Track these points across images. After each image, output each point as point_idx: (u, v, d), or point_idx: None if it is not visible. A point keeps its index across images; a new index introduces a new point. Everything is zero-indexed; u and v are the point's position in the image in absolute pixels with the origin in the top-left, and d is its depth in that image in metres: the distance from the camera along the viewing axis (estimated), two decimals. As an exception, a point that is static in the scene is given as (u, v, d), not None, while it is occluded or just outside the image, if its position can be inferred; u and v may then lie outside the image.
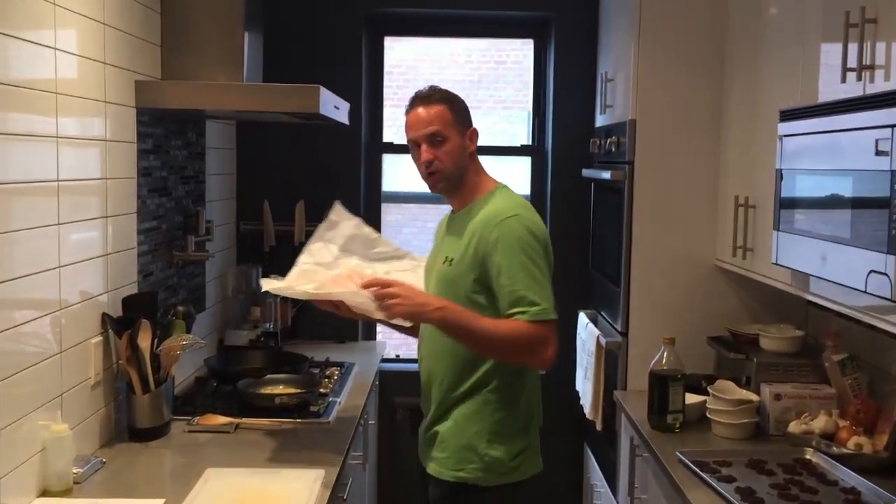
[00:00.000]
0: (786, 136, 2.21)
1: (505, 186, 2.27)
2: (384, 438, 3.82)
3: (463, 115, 2.20)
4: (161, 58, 2.76)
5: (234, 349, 3.41)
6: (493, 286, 2.10)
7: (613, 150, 3.15)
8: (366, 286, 2.08)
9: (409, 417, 3.85)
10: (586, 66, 3.73)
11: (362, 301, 2.08)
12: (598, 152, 3.48)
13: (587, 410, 3.27)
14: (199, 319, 3.22)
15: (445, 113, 2.15)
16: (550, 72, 3.87)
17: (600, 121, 3.55)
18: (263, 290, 2.17)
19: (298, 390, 2.74)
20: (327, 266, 2.28)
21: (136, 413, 2.38)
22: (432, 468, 2.24)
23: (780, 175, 2.23)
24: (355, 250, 2.34)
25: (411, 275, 2.31)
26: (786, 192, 2.21)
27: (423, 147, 2.16)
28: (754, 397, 2.52)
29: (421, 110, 2.16)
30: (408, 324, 2.22)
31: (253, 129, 3.73)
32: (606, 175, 3.15)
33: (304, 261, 2.27)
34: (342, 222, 2.35)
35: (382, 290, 2.06)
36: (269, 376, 2.82)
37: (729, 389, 2.58)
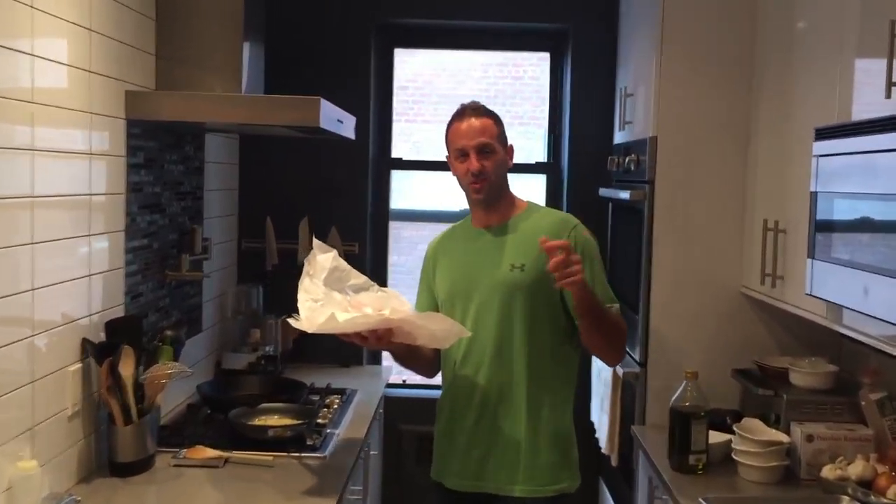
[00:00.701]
0: (822, 155, 2.03)
1: (533, 202, 2.37)
2: (389, 469, 3.64)
3: (504, 132, 2.28)
4: (156, 68, 2.62)
5: (231, 374, 3.25)
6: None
7: (633, 168, 2.98)
8: (556, 244, 1.99)
9: (415, 446, 3.68)
10: (604, 81, 3.57)
11: (425, 320, 2.09)
12: (617, 170, 3.30)
13: (602, 444, 3.08)
14: (195, 342, 3.08)
15: (493, 126, 2.23)
16: (567, 86, 3.71)
17: (619, 137, 3.38)
18: (307, 330, 2.05)
19: (294, 421, 2.58)
20: (324, 301, 2.18)
21: (116, 446, 2.22)
22: (522, 490, 2.19)
23: (814, 198, 2.05)
24: (333, 284, 2.24)
25: (384, 301, 2.20)
26: (822, 217, 2.02)
27: (473, 156, 2.20)
28: (784, 438, 2.33)
29: (473, 121, 2.21)
30: (442, 345, 2.19)
31: (256, 144, 3.59)
32: (625, 195, 2.97)
33: (303, 298, 2.19)
34: (319, 255, 2.26)
35: (572, 257, 1.99)
36: (263, 405, 2.66)
37: (757, 429, 2.39)
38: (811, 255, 2.06)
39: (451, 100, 3.88)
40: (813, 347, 2.72)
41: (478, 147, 2.18)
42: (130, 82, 2.43)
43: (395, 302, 2.16)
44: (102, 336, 2.26)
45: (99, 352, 2.19)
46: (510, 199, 2.29)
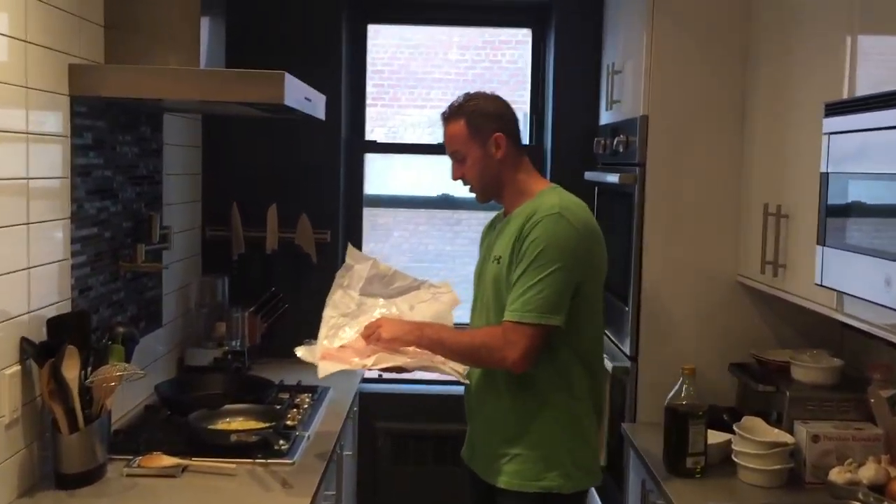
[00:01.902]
0: (833, 133, 1.85)
1: (557, 187, 2.20)
2: (365, 469, 3.45)
3: (483, 124, 2.13)
4: (105, 39, 2.39)
5: (194, 371, 3.04)
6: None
7: (622, 150, 2.80)
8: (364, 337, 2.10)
9: (391, 444, 3.50)
10: (589, 58, 3.38)
11: (423, 362, 2.08)
12: (603, 153, 3.12)
13: (590, 443, 2.91)
14: (155, 337, 2.87)
15: (462, 128, 2.13)
16: (550, 64, 3.52)
17: (605, 118, 3.20)
18: (321, 376, 2.06)
19: (260, 425, 2.38)
20: (353, 315, 2.22)
21: (62, 456, 2.02)
22: (505, 480, 2.09)
23: (825, 180, 1.88)
24: (375, 290, 2.29)
25: (433, 304, 2.28)
26: (834, 200, 1.85)
27: (451, 165, 2.18)
28: (788, 439, 2.17)
29: (444, 129, 2.18)
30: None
31: (221, 125, 3.37)
32: (613, 178, 2.79)
33: (329, 315, 2.21)
34: (357, 265, 2.27)
35: (374, 332, 2.10)
36: (227, 406, 2.46)
37: (758, 428, 2.23)
38: (821, 241, 1.89)
39: (427, 84, 3.72)
40: (813, 340, 2.57)
41: (451, 157, 2.16)
42: (75, 55, 2.21)
43: (436, 306, 2.26)
44: (45, 335, 2.05)
45: (39, 352, 1.98)
46: (520, 187, 2.16)
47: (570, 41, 3.43)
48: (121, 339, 2.19)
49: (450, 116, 2.15)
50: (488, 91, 2.21)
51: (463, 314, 2.30)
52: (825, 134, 1.88)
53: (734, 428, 2.23)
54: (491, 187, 2.16)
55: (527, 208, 2.08)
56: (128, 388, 2.43)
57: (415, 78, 3.75)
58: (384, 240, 3.80)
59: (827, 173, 1.87)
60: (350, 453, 3.11)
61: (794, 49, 2.24)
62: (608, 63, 3.11)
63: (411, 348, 2.09)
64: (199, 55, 2.42)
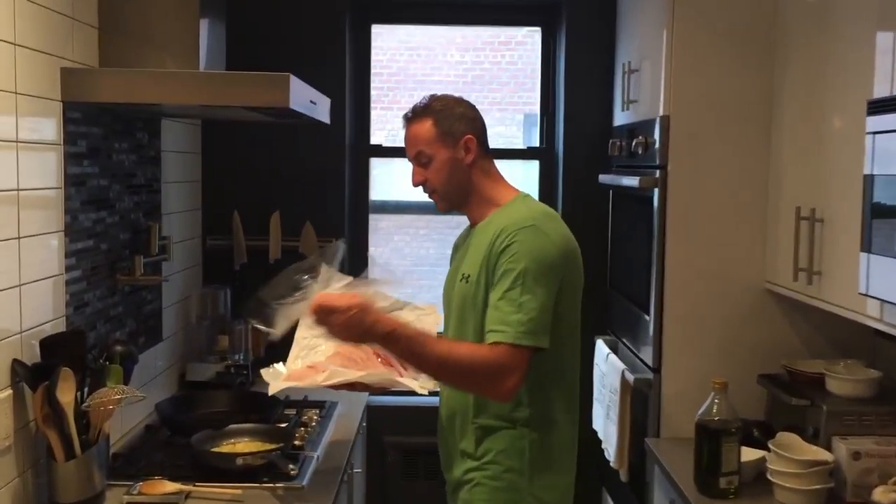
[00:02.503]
0: (878, 132, 1.74)
1: (527, 195, 2.05)
2: (373, 486, 3.33)
3: (453, 125, 1.99)
4: (99, 42, 2.27)
5: (196, 387, 2.92)
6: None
7: (640, 152, 2.68)
8: (312, 311, 1.83)
9: (401, 459, 3.38)
10: (603, 57, 3.26)
11: (380, 377, 1.97)
12: (619, 155, 3.00)
13: (611, 458, 2.79)
14: (155, 353, 2.74)
15: (429, 129, 1.98)
16: (560, 64, 3.39)
17: (621, 119, 3.08)
18: (270, 393, 2.01)
19: (266, 446, 2.26)
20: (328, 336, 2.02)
21: (57, 484, 1.89)
22: None
23: (870, 182, 1.76)
24: None
25: (417, 326, 2.04)
26: (880, 203, 1.73)
27: (413, 169, 2.03)
28: (828, 457, 2.05)
29: (407, 130, 2.03)
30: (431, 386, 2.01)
31: (220, 130, 3.25)
32: (632, 181, 2.67)
33: (303, 335, 2.07)
34: (333, 284, 2.02)
35: (326, 319, 1.81)
36: (231, 426, 2.33)
37: (794, 445, 2.11)
38: (866, 248, 1.77)
39: (427, 86, 3.63)
40: (844, 349, 2.46)
41: (413, 159, 2.01)
42: (67, 58, 2.09)
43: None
44: (38, 356, 1.92)
45: (32, 375, 1.85)
46: (487, 195, 2.01)
47: (582, 39, 3.31)
48: (119, 358, 2.06)
49: (415, 116, 2.00)
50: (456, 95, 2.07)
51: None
52: (869, 133, 1.76)
53: (769, 445, 2.11)
54: (456, 194, 2.01)
55: (495, 220, 1.93)
56: (127, 407, 2.31)
57: (414, 80, 3.65)
58: (384, 244, 3.72)
59: (872, 175, 1.75)
60: (359, 470, 2.99)
61: (827, 44, 2.12)
62: (623, 62, 2.99)
63: (381, 361, 1.98)
64: (198, 58, 2.30)
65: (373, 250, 3.60)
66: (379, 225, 3.68)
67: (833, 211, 2.06)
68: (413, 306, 2.12)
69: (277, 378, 2.04)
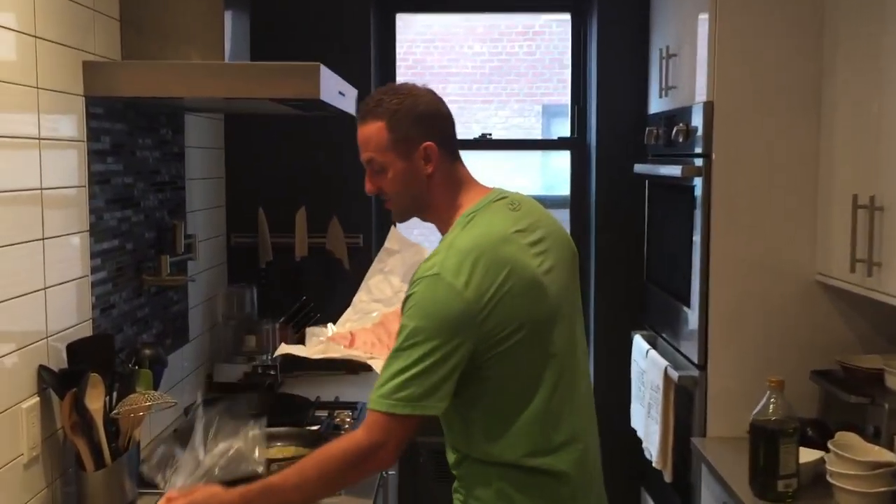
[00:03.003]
0: (951, 114, 1.63)
1: (475, 213, 1.65)
2: (405, 488, 3.24)
3: (409, 131, 1.64)
4: (121, 35, 2.20)
5: (224, 388, 2.85)
6: None
7: (681, 140, 2.57)
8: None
9: (433, 460, 3.30)
10: (636, 42, 3.15)
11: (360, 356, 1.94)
12: (656, 143, 2.90)
13: (654, 458, 2.70)
14: (182, 354, 2.68)
15: (381, 133, 1.64)
16: (592, 50, 3.29)
17: (657, 106, 2.97)
18: (305, 354, 1.96)
19: (300, 451, 2.18)
20: (387, 302, 1.99)
21: (87, 495, 1.82)
22: None
23: (941, 167, 1.65)
24: None
25: None
26: (953, 191, 1.63)
27: (367, 174, 1.71)
28: (891, 457, 1.94)
29: (358, 131, 1.69)
30: None
31: (244, 125, 3.17)
32: (672, 171, 2.57)
33: (360, 298, 2.00)
34: (402, 251, 1.99)
35: None
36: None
37: (856, 445, 2.01)
38: (937, 237, 1.67)
39: (445, 78, 3.54)
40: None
41: (366, 165, 1.69)
42: (89, 51, 2.01)
43: None
44: (64, 361, 1.85)
45: (60, 382, 1.78)
46: (446, 213, 1.69)
47: (615, 24, 3.20)
48: (147, 362, 1.99)
49: (365, 116, 1.66)
50: (421, 85, 1.72)
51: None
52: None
53: (829, 446, 2.01)
54: (414, 207, 1.72)
55: (430, 255, 1.63)
56: (155, 413, 2.24)
57: (432, 73, 3.56)
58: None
59: (945, 160, 1.64)
60: (392, 472, 2.90)
61: (884, 17, 2.01)
62: (660, 47, 2.88)
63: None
64: (223, 50, 2.22)
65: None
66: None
67: (894, 198, 1.95)
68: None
69: (316, 339, 1.98)
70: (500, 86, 3.76)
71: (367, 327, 1.89)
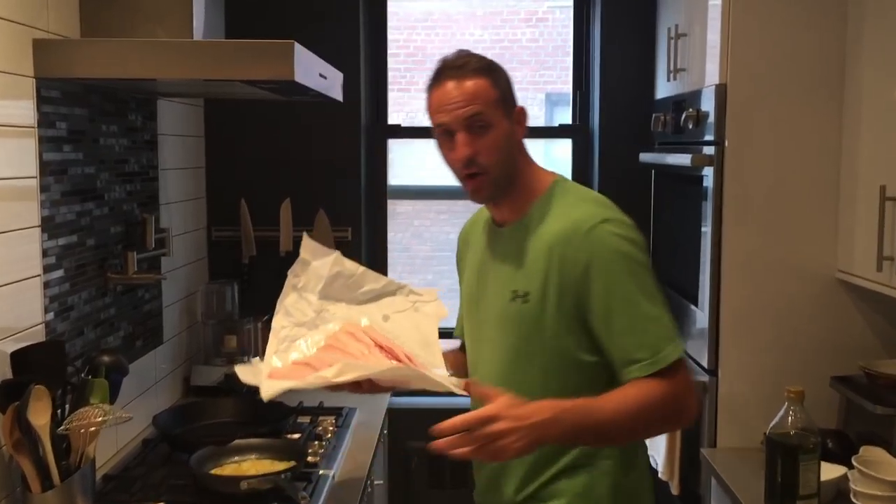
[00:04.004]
0: None
1: (562, 177, 1.66)
2: (396, 496, 3.07)
3: (508, 90, 1.59)
4: (80, 11, 2.01)
5: (202, 392, 2.68)
6: (594, 329, 1.51)
7: (691, 126, 2.38)
8: (452, 428, 1.41)
9: (426, 466, 3.13)
10: (643, 22, 2.97)
11: (408, 373, 1.54)
12: (663, 130, 2.71)
13: (659, 469, 2.52)
14: (155, 356, 2.51)
15: (487, 88, 1.54)
16: (596, 33, 3.10)
17: (665, 90, 2.78)
18: (265, 398, 1.51)
19: (276, 465, 2.00)
20: (311, 325, 1.68)
21: (34, 518, 1.65)
22: None
23: None
24: (338, 294, 1.74)
25: (413, 315, 1.72)
26: None
27: (460, 137, 1.53)
28: (924, 476, 1.77)
29: (452, 85, 1.54)
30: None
31: (225, 111, 2.98)
32: (682, 160, 2.38)
33: (280, 324, 1.67)
34: (314, 261, 1.73)
35: (484, 432, 1.36)
36: (237, 442, 2.08)
37: (881, 462, 1.83)
38: (982, 235, 1.48)
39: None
40: (930, 346, 2.16)
41: (466, 122, 1.52)
42: (41, 28, 1.83)
43: (416, 318, 1.71)
44: (9, 372, 1.68)
45: (2, 395, 1.61)
46: (526, 185, 1.60)
47: (620, 4, 3.01)
48: (104, 370, 1.81)
49: (461, 73, 1.54)
50: None
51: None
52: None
53: (853, 462, 1.83)
54: (505, 179, 1.57)
55: (546, 218, 1.55)
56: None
57: (433, 60, 3.39)
58: (404, 229, 3.51)
59: None
60: (381, 482, 2.73)
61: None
62: (668, 26, 2.69)
63: (386, 355, 1.59)
64: (191, 27, 2.03)
65: (391, 235, 3.35)
66: (397, 210, 3.47)
67: (928, 190, 1.77)
68: (409, 290, 1.76)
69: (259, 373, 1.57)
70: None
71: (313, 355, 1.61)
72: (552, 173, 1.66)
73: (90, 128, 2.09)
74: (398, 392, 2.43)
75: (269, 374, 1.55)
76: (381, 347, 1.63)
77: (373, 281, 1.75)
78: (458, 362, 1.76)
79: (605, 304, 1.48)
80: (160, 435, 2.23)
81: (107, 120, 2.18)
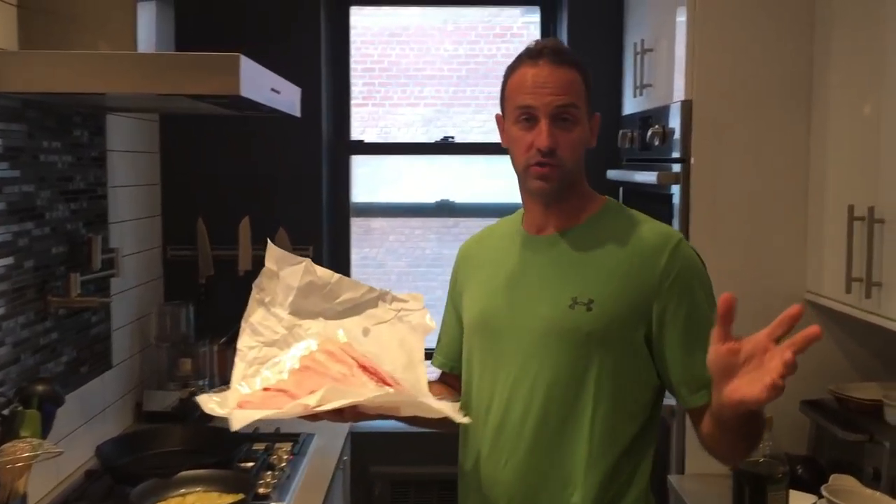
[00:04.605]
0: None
1: (614, 199, 1.59)
2: (358, 523, 2.98)
3: (590, 95, 1.48)
4: (19, 23, 1.92)
5: (155, 418, 2.57)
6: (661, 344, 1.41)
7: (657, 143, 2.32)
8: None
9: (390, 491, 3.03)
10: (609, 37, 2.91)
11: (394, 399, 1.37)
12: (630, 147, 2.65)
13: (627, 495, 2.44)
14: (103, 381, 2.40)
15: (581, 83, 1.44)
16: (562, 47, 3.04)
17: (632, 106, 2.73)
18: (233, 428, 1.31)
19: (223, 499, 1.91)
20: (282, 344, 1.50)
21: (-45, 561, 1.54)
22: None
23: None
24: (313, 306, 1.55)
25: (398, 327, 1.56)
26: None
27: (544, 125, 1.41)
28: (895, 506, 1.70)
29: (552, 70, 1.42)
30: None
31: (181, 127, 2.89)
32: (647, 177, 2.32)
33: (247, 344, 1.49)
34: (282, 271, 1.54)
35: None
36: (182, 473, 1.98)
37: (852, 491, 1.76)
38: (951, 257, 1.43)
39: (419, 81, 3.32)
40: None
41: (556, 111, 1.41)
42: (-28, 40, 1.74)
43: (402, 331, 1.55)
44: (-70, 403, 1.58)
45: (-80, 429, 1.51)
46: (583, 194, 1.52)
47: (586, 17, 2.96)
48: (37, 401, 1.71)
49: (561, 60, 1.43)
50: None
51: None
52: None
53: (822, 491, 1.76)
54: (570, 179, 1.46)
55: (624, 231, 1.46)
56: (64, 450, 1.97)
57: (406, 75, 3.33)
58: (379, 244, 3.42)
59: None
60: (341, 510, 2.64)
61: (885, 13, 1.77)
62: (634, 41, 2.64)
63: (371, 378, 1.42)
64: (135, 40, 1.94)
65: (366, 251, 3.27)
66: (371, 226, 3.40)
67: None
68: (391, 297, 1.59)
69: (227, 403, 1.38)
70: (478, 89, 3.58)
71: (286, 379, 1.42)
72: (602, 195, 1.57)
73: (29, 144, 1.99)
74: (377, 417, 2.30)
75: (239, 402, 1.38)
76: (364, 368, 1.46)
77: (350, 289, 1.58)
78: (440, 392, 1.57)
79: (686, 321, 1.39)
80: (103, 466, 2.12)
81: (48, 136, 2.08)
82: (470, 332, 1.56)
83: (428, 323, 1.57)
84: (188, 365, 2.71)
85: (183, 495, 1.93)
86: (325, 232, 3.04)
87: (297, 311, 1.54)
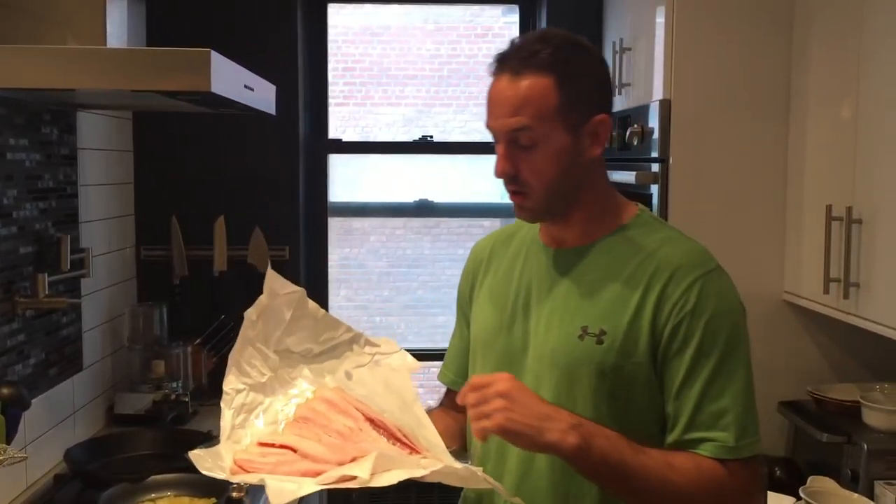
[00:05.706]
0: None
1: (646, 209, 1.39)
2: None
3: (582, 96, 1.26)
4: (-18, 16, 1.87)
5: (127, 421, 2.53)
6: (670, 382, 1.25)
7: (636, 143, 2.31)
8: (471, 388, 1.20)
9: (367, 495, 3.00)
10: (588, 35, 2.86)
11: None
12: (609, 147, 2.62)
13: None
14: (74, 384, 2.36)
15: (546, 94, 1.23)
16: (541, 46, 3.02)
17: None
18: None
19: (194, 503, 1.87)
20: (269, 388, 1.37)
21: (-86, 570, 1.50)
22: None
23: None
24: (297, 346, 1.43)
25: (379, 370, 1.43)
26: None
27: (499, 149, 1.28)
28: (873, 508, 1.69)
29: (506, 85, 1.26)
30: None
31: (155, 125, 2.84)
32: (626, 177, 2.31)
33: (233, 387, 1.35)
34: (276, 300, 1.41)
35: (484, 392, 1.18)
36: (153, 478, 1.94)
37: (830, 493, 1.75)
38: (929, 257, 1.42)
39: (401, 81, 3.31)
40: (879, 372, 2.10)
41: (505, 134, 1.26)
42: (-66, 34, 1.69)
43: (384, 374, 1.42)
44: None
45: None
46: (604, 208, 1.34)
47: (565, 15, 2.94)
48: (1, 405, 1.67)
49: (519, 68, 1.24)
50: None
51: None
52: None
53: (800, 493, 1.75)
54: (561, 201, 1.29)
55: (648, 253, 1.28)
56: (32, 454, 1.93)
57: (388, 75, 3.31)
58: (360, 244, 3.40)
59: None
60: (317, 514, 2.60)
61: (862, 14, 1.76)
62: (613, 40, 2.62)
63: (382, 433, 1.27)
64: (104, 35, 1.90)
65: (347, 251, 3.24)
66: (353, 226, 3.38)
67: (876, 210, 1.70)
68: (364, 340, 1.46)
69: (221, 461, 1.26)
70: (459, 89, 3.58)
71: (280, 433, 1.30)
72: (634, 203, 1.39)
73: (-6, 141, 1.94)
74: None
75: (235, 460, 1.26)
76: (371, 421, 1.31)
77: (331, 327, 1.46)
78: (447, 427, 1.40)
79: (704, 361, 1.22)
80: (71, 471, 2.08)
81: (16, 133, 2.04)
82: (475, 345, 1.43)
83: (410, 363, 1.44)
84: (161, 367, 2.66)
85: (153, 499, 1.90)
86: (303, 232, 3.00)
87: (283, 351, 1.42)
